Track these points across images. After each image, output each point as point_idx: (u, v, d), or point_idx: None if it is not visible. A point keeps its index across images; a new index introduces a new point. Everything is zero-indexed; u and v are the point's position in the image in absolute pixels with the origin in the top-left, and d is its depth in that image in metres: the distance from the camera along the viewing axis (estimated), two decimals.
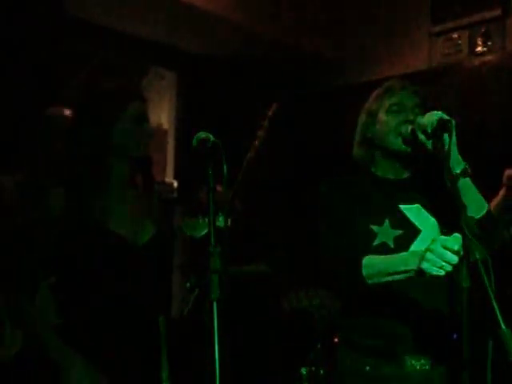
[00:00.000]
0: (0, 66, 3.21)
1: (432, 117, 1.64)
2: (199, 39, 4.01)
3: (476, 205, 1.70)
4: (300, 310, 3.64)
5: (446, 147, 1.59)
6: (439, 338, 1.74)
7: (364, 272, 1.67)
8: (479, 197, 1.71)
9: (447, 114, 1.64)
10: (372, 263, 1.68)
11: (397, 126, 1.79)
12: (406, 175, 1.88)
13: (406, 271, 1.59)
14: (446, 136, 1.61)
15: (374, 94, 1.92)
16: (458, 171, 1.65)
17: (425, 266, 1.49)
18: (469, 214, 1.65)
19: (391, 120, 1.82)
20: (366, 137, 1.89)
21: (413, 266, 1.56)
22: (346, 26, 4.60)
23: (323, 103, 4.72)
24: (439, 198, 1.77)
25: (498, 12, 3.81)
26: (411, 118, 1.77)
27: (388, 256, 1.69)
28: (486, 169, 3.76)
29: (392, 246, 1.76)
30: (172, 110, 4.47)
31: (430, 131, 1.64)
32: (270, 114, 2.82)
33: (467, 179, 1.67)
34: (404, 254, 1.67)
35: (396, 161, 1.85)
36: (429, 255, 1.48)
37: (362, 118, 1.92)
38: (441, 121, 1.61)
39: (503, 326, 1.18)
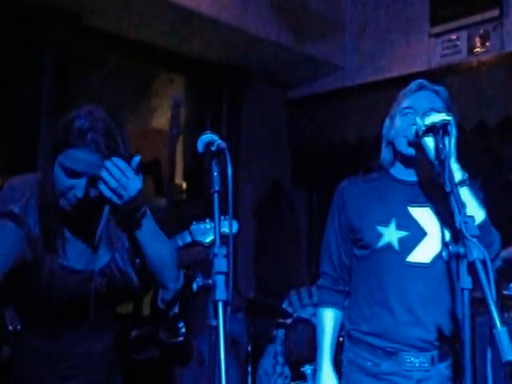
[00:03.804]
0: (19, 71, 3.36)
1: (432, 118, 1.61)
2: (208, 45, 4.08)
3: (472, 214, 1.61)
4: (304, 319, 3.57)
5: (447, 149, 1.56)
6: (439, 336, 1.76)
7: None
8: (476, 207, 1.62)
9: (448, 115, 1.61)
10: None
11: (404, 129, 1.79)
12: (419, 178, 1.87)
13: None
14: (446, 138, 1.58)
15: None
16: (456, 181, 1.56)
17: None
18: None
19: (401, 123, 1.82)
20: (388, 140, 1.89)
21: None
22: (344, 27, 4.63)
23: (322, 105, 4.75)
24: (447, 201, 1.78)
25: (496, 13, 3.84)
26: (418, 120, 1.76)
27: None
28: (483, 169, 3.80)
29: (397, 247, 1.78)
30: (181, 113, 4.52)
31: (425, 132, 1.62)
32: None
33: (465, 188, 1.61)
34: None
35: (406, 163, 1.86)
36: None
37: (386, 121, 1.92)
38: (440, 122, 1.59)
39: (499, 325, 1.18)
